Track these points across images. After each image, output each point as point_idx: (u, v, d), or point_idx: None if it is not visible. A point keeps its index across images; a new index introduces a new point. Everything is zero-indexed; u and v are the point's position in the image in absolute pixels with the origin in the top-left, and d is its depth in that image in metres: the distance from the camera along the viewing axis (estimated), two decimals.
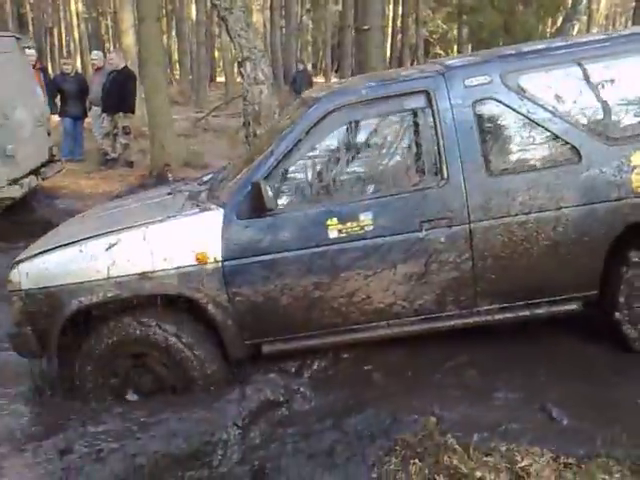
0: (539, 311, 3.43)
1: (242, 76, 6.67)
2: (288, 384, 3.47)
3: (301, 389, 3.43)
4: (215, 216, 3.37)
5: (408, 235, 3.30)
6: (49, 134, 7.98)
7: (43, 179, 7.47)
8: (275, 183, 3.34)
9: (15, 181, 6.59)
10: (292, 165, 3.37)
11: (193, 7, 29.71)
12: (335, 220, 3.30)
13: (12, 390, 3.99)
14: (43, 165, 7.54)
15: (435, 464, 2.65)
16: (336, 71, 26.04)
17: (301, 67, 16.64)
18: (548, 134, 3.33)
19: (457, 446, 2.72)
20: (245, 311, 3.37)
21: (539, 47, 3.74)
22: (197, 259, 3.32)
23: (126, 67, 10.17)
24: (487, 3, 15.67)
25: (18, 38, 7.79)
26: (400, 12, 27.13)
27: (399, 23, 27.52)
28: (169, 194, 4.03)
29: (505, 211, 3.30)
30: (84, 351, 3.47)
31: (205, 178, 4.27)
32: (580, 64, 3.39)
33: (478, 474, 2.53)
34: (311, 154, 3.39)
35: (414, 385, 3.37)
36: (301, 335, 3.46)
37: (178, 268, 3.33)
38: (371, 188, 3.37)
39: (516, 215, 3.30)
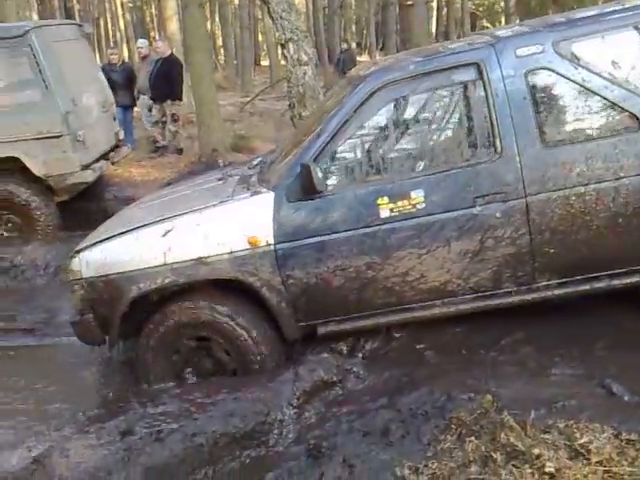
0: (600, 285, 3.32)
1: (285, 58, 6.65)
2: (341, 364, 3.49)
3: (354, 369, 3.45)
4: (266, 199, 3.37)
5: (462, 211, 3.24)
6: (114, 119, 8.10)
7: (112, 163, 7.62)
8: (324, 164, 3.33)
9: (87, 166, 6.72)
10: (341, 145, 3.35)
11: None
12: (386, 199, 3.26)
13: (76, 375, 4.15)
14: (111, 150, 7.66)
15: (492, 442, 2.61)
16: (381, 49, 25.73)
17: (345, 47, 16.51)
18: (605, 102, 3.22)
19: (514, 423, 2.67)
20: (299, 293, 3.38)
21: (592, 13, 3.60)
22: (249, 243, 3.33)
23: (172, 54, 10.24)
24: None
25: (80, 25, 7.96)
26: None
27: None
28: (220, 179, 4.05)
29: (562, 183, 3.21)
30: (144, 336, 3.55)
31: (255, 162, 4.29)
32: (637, 28, 3.25)
33: (536, 451, 2.49)
34: (360, 133, 3.36)
35: (468, 363, 3.34)
36: (355, 316, 3.45)
37: (231, 252, 3.35)
38: (422, 165, 3.33)
39: (574, 187, 3.21)
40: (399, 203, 3.26)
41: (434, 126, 3.37)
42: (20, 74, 6.39)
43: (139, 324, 3.59)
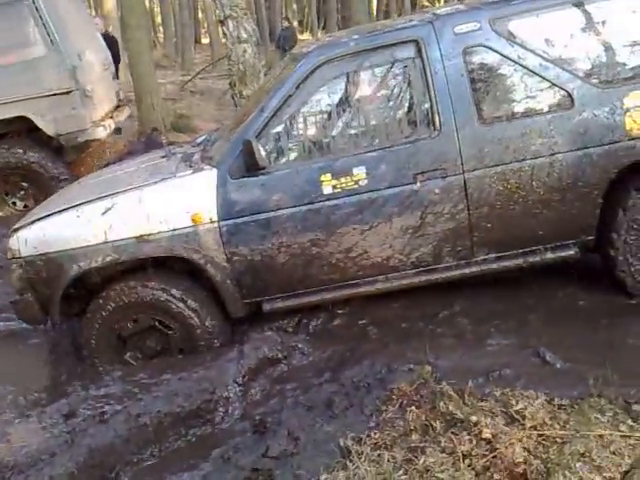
0: (537, 258, 3.44)
1: (225, 36, 6.58)
2: (286, 341, 3.52)
3: (299, 345, 3.49)
4: (209, 176, 3.36)
5: (402, 188, 3.29)
6: (113, 78, 7.88)
7: (116, 123, 7.33)
8: (267, 141, 3.33)
9: (97, 123, 6.54)
10: (283, 122, 3.35)
11: None
12: (329, 175, 3.29)
13: (18, 359, 4.05)
14: (114, 109, 7.45)
15: (431, 410, 2.70)
16: (323, 27, 25.64)
17: (286, 25, 16.36)
18: (540, 80, 3.30)
19: (452, 393, 2.76)
20: (243, 270, 3.39)
21: None
22: (193, 220, 3.32)
23: (107, 32, 9.99)
24: None
25: None
26: None
27: None
28: (163, 157, 4.01)
29: (499, 159, 3.29)
30: (88, 316, 3.50)
31: (199, 140, 4.25)
32: (572, 6, 3.34)
33: (474, 418, 2.58)
34: (302, 110, 3.37)
35: (408, 336, 3.41)
36: (300, 292, 3.48)
37: (174, 230, 3.34)
38: (364, 142, 3.36)
39: (510, 163, 3.29)
40: (342, 180, 3.29)
41: (375, 103, 3.39)
42: (24, 30, 6.17)
43: (82, 304, 3.54)
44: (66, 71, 6.19)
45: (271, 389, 3.21)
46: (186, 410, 3.05)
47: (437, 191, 3.29)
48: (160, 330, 3.52)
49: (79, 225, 3.41)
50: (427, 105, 3.31)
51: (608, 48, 3.33)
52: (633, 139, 3.28)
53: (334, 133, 3.38)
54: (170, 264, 3.48)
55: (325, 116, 3.39)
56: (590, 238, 3.45)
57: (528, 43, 3.32)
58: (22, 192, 6.53)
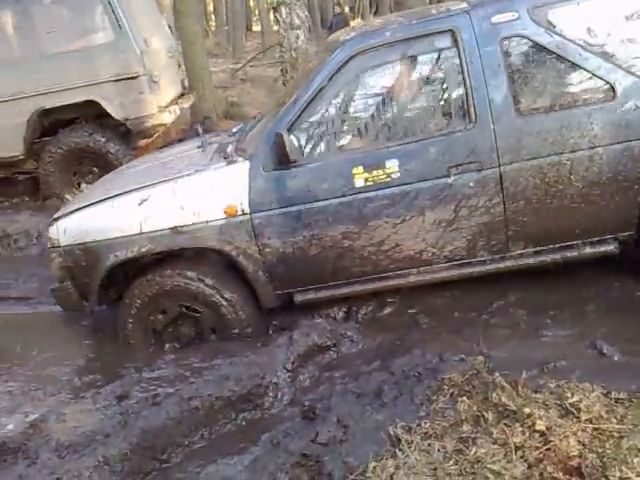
0: (574, 253, 3.36)
1: (278, 22, 6.57)
2: (335, 328, 3.52)
3: (348, 333, 3.49)
4: (241, 169, 3.38)
5: (436, 181, 3.24)
6: (179, 66, 7.96)
7: (181, 110, 7.39)
8: (300, 133, 3.32)
9: (163, 108, 6.64)
10: (316, 114, 3.33)
11: None
12: (361, 168, 3.26)
13: (71, 342, 4.16)
14: (179, 96, 7.53)
15: (483, 401, 2.65)
16: (374, 13, 25.40)
17: (338, 11, 16.31)
18: (580, 71, 3.19)
19: (505, 384, 2.71)
20: (275, 262, 3.41)
21: None
22: (225, 212, 3.35)
23: None
24: None
25: None
26: None
27: None
28: (199, 147, 4.04)
29: (536, 152, 3.20)
30: (125, 303, 3.58)
31: (235, 129, 4.26)
32: None
33: (527, 410, 2.52)
34: (335, 101, 3.33)
35: (460, 326, 3.37)
36: (332, 284, 3.48)
37: (207, 222, 3.37)
38: (397, 134, 3.31)
39: (548, 156, 3.20)
40: (374, 173, 3.26)
41: (410, 94, 3.34)
42: (93, 16, 6.28)
43: (120, 291, 3.63)
44: (134, 56, 6.26)
45: (320, 376, 3.21)
46: (236, 394, 3.08)
47: (472, 184, 3.23)
48: (194, 318, 3.58)
49: (116, 216, 3.49)
50: (463, 96, 3.23)
51: None
52: None
53: (367, 125, 3.34)
54: (206, 254, 3.51)
55: (358, 108, 3.35)
56: (630, 233, 3.33)
57: (568, 33, 3.20)
58: (90, 175, 6.62)
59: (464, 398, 2.69)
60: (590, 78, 3.19)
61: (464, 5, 3.40)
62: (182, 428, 2.94)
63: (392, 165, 3.24)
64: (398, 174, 3.24)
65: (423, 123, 3.30)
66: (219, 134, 4.50)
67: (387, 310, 3.70)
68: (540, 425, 2.44)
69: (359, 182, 3.26)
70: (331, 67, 3.31)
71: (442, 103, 3.30)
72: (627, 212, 3.28)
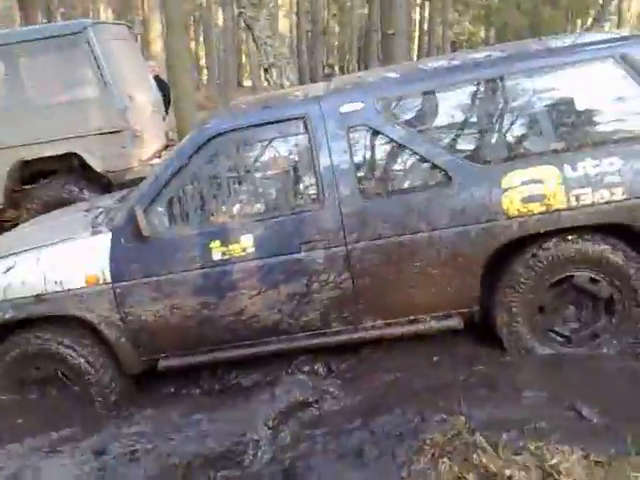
0: (422, 327, 3.52)
1: (268, 82, 6.76)
2: (317, 385, 3.51)
3: (330, 389, 3.47)
4: (104, 239, 3.51)
5: (288, 256, 3.39)
6: (164, 119, 8.14)
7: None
8: (160, 207, 3.46)
9: (145, 162, 6.76)
10: (176, 190, 3.48)
11: (220, 13, 29.99)
12: (218, 242, 3.41)
13: None
14: (163, 149, 7.69)
15: (464, 463, 2.64)
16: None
17: (328, 71, 16.69)
18: (419, 158, 3.37)
19: (486, 445, 2.71)
20: (138, 329, 3.51)
21: (419, 70, 3.81)
22: (87, 281, 3.46)
23: (158, 76, 10.28)
24: (512, 4, 15.60)
25: (130, 27, 8.06)
26: (427, 15, 27.03)
27: (426, 26, 27.42)
28: (87, 211, 4.17)
29: (380, 233, 3.36)
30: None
31: (124, 194, 4.39)
32: (455, 88, 3.43)
33: (508, 472, 2.52)
34: (194, 179, 3.48)
35: (440, 385, 3.36)
36: (195, 351, 3.60)
37: (69, 290, 3.48)
38: (252, 211, 3.48)
39: (390, 237, 3.35)
40: (230, 247, 3.41)
41: (264, 174, 3.52)
42: (78, 70, 6.41)
43: None
44: (117, 111, 6.40)
45: (301, 433, 3.17)
46: (216, 452, 3.04)
47: (321, 261, 3.39)
48: (61, 380, 3.66)
49: None
50: (313, 179, 3.41)
51: (488, 127, 3.40)
52: (510, 218, 3.29)
53: (224, 202, 3.50)
54: (70, 321, 3.58)
55: (216, 186, 3.50)
56: (472, 309, 3.50)
57: (409, 122, 3.42)
58: None
59: (445, 459, 2.67)
60: (429, 166, 3.37)
61: (320, 92, 3.62)
62: None
63: (247, 240, 3.40)
64: (253, 249, 3.39)
65: (277, 202, 3.48)
66: (109, 197, 4.61)
67: (368, 366, 3.69)
68: None
69: (216, 255, 3.42)
70: (190, 147, 3.49)
71: (294, 184, 3.49)
72: (468, 290, 3.44)
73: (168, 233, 3.45)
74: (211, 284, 3.43)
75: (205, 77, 31.73)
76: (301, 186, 3.47)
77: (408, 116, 3.44)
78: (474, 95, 3.44)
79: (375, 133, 3.40)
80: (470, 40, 29.88)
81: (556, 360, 3.43)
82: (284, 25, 32.54)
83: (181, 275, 3.43)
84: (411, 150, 3.37)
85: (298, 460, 2.92)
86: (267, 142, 3.49)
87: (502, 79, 3.40)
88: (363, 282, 3.41)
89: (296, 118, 3.46)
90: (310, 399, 3.39)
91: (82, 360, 3.59)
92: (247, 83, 30.54)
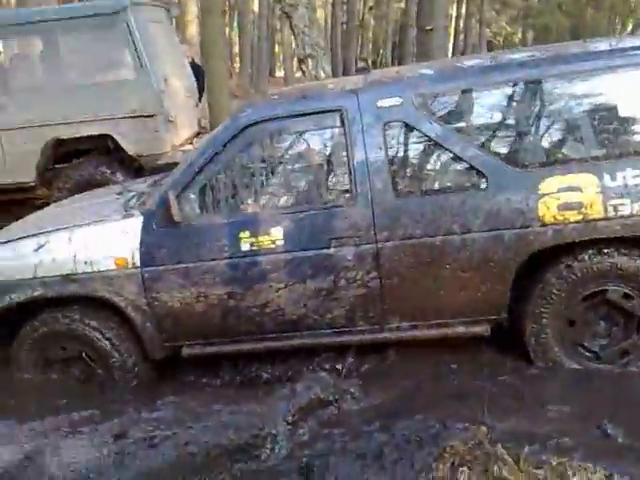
0: (448, 331, 3.47)
1: (303, 73, 6.72)
2: (338, 384, 3.49)
3: (351, 389, 3.45)
4: (135, 223, 3.51)
5: (317, 251, 3.36)
6: (197, 105, 8.10)
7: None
8: (192, 194, 3.45)
9: (177, 148, 6.77)
10: (209, 178, 3.47)
11: (256, 0, 29.98)
12: (247, 233, 3.38)
13: None
14: (195, 136, 7.67)
15: (484, 473, 2.62)
16: (398, 65, 25.91)
17: (362, 65, 16.58)
18: (455, 158, 3.31)
19: (507, 457, 2.68)
20: (163, 315, 3.52)
21: (458, 68, 3.72)
22: (116, 264, 3.47)
23: (193, 61, 10.28)
24: (554, 6, 15.33)
25: (168, 10, 7.97)
26: (464, 12, 26.79)
27: (462, 23, 27.18)
28: (119, 194, 4.17)
29: (411, 232, 3.30)
30: (19, 340, 3.70)
31: (157, 178, 4.37)
32: (494, 88, 3.36)
33: None
34: (227, 167, 3.46)
35: (464, 393, 3.34)
36: (219, 340, 3.59)
37: (99, 272, 3.49)
38: (283, 203, 3.46)
39: (422, 237, 3.30)
40: (259, 238, 3.39)
41: (297, 167, 3.53)
42: (115, 51, 6.43)
43: (14, 328, 3.72)
44: (152, 95, 6.41)
45: (320, 432, 3.16)
46: (234, 443, 3.04)
47: (350, 258, 3.34)
48: (85, 361, 3.70)
49: (15, 258, 3.62)
50: (346, 174, 3.37)
51: (528, 131, 3.35)
52: (545, 225, 3.22)
53: (256, 192, 3.50)
54: (95, 301, 3.60)
55: (249, 175, 3.50)
56: (501, 316, 3.43)
57: (448, 121, 3.37)
58: None
59: (465, 468, 2.65)
60: (465, 166, 3.31)
61: (357, 85, 3.56)
62: (177, 473, 2.90)
63: (277, 232, 3.37)
64: (282, 241, 3.36)
65: (308, 195, 3.46)
66: (142, 182, 4.58)
67: (390, 369, 3.68)
68: None
69: (245, 246, 3.39)
70: (225, 136, 3.48)
71: (327, 178, 3.47)
72: (497, 297, 3.38)
73: (199, 220, 3.45)
74: (238, 274, 3.42)
75: (237, 65, 31.78)
76: (334, 180, 3.45)
77: (446, 114, 3.39)
78: (514, 96, 3.39)
79: (412, 130, 3.35)
80: (507, 40, 29.55)
81: (583, 376, 3.38)
82: (320, 16, 32.44)
83: (209, 264, 3.42)
84: (447, 149, 3.31)
85: (315, 458, 2.91)
86: (302, 133, 3.48)
87: (543, 81, 3.33)
88: (391, 282, 3.38)
89: (332, 110, 3.42)
90: (330, 398, 3.38)
91: (107, 343, 3.63)
92: (279, 73, 30.53)
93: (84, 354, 3.68)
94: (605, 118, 3.30)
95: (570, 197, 3.21)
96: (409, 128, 3.36)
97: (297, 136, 3.49)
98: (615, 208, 3.19)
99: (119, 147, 6.48)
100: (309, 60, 6.46)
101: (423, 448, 2.82)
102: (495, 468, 2.63)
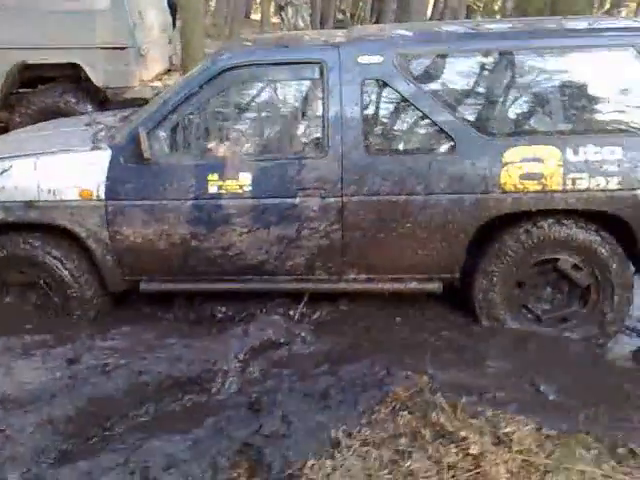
0: (401, 286, 3.61)
1: (282, 19, 6.64)
2: (290, 327, 3.60)
3: (302, 334, 3.55)
4: (103, 156, 3.50)
5: (283, 200, 3.42)
6: (169, 42, 7.92)
7: (164, 86, 7.34)
8: (164, 132, 3.46)
9: (145, 83, 6.62)
10: (181, 118, 3.48)
11: None
12: (216, 176, 3.43)
13: None
14: (164, 73, 7.53)
15: (423, 419, 2.75)
16: (376, 21, 25.53)
17: (340, 17, 16.37)
18: (428, 121, 3.39)
19: (445, 405, 2.81)
20: (124, 249, 3.55)
21: (437, 32, 3.83)
22: (81, 195, 3.47)
23: None
24: None
25: None
26: None
27: None
28: (87, 125, 4.14)
29: (377, 190, 3.39)
30: None
31: (126, 113, 4.35)
32: (474, 55, 3.44)
33: (463, 433, 2.63)
34: (201, 109, 3.48)
35: (409, 344, 3.48)
36: (177, 278, 3.66)
37: (62, 201, 3.50)
38: (254, 150, 3.49)
39: (387, 195, 3.39)
40: (227, 182, 3.43)
41: (272, 115, 3.54)
42: None
43: None
44: (125, 27, 6.27)
45: (269, 371, 3.26)
46: (186, 376, 3.14)
47: (315, 209, 3.42)
48: (43, 288, 3.71)
49: None
50: (319, 127, 3.43)
51: (498, 100, 3.43)
52: (505, 192, 3.35)
53: (228, 137, 3.52)
54: (59, 231, 3.61)
55: (222, 119, 3.53)
56: (453, 276, 3.58)
57: (425, 84, 3.42)
58: None
59: (405, 413, 2.78)
60: (435, 129, 3.39)
61: (339, 40, 3.59)
62: (129, 400, 2.98)
63: (245, 178, 3.42)
64: (250, 187, 3.41)
65: (280, 144, 3.50)
66: (110, 115, 4.53)
67: (342, 317, 3.79)
68: (474, 449, 2.55)
69: (212, 188, 3.44)
70: (202, 77, 3.48)
71: (300, 129, 3.51)
72: (453, 257, 3.51)
73: (168, 159, 3.46)
74: (203, 216, 3.45)
75: (213, 4, 30.93)
76: (306, 132, 3.48)
77: (423, 76, 3.43)
78: (488, 66, 3.45)
79: (389, 89, 3.39)
80: (487, 7, 29.33)
81: (523, 336, 3.54)
82: None
83: (175, 203, 3.45)
84: (421, 112, 3.37)
85: (264, 395, 3.02)
86: (280, 82, 3.48)
87: (517, 54, 3.41)
88: (353, 235, 3.46)
89: (313, 62, 3.44)
90: (282, 340, 3.48)
91: (67, 273, 3.64)
92: (255, 16, 29.82)
93: (42, 281, 3.69)
94: (574, 95, 3.39)
95: (532, 167, 3.32)
96: (386, 87, 3.39)
97: (274, 85, 3.49)
98: (573, 181, 3.31)
99: (87, 77, 6.33)
100: (289, 8, 6.39)
101: (367, 391, 2.95)
102: (433, 415, 2.76)
